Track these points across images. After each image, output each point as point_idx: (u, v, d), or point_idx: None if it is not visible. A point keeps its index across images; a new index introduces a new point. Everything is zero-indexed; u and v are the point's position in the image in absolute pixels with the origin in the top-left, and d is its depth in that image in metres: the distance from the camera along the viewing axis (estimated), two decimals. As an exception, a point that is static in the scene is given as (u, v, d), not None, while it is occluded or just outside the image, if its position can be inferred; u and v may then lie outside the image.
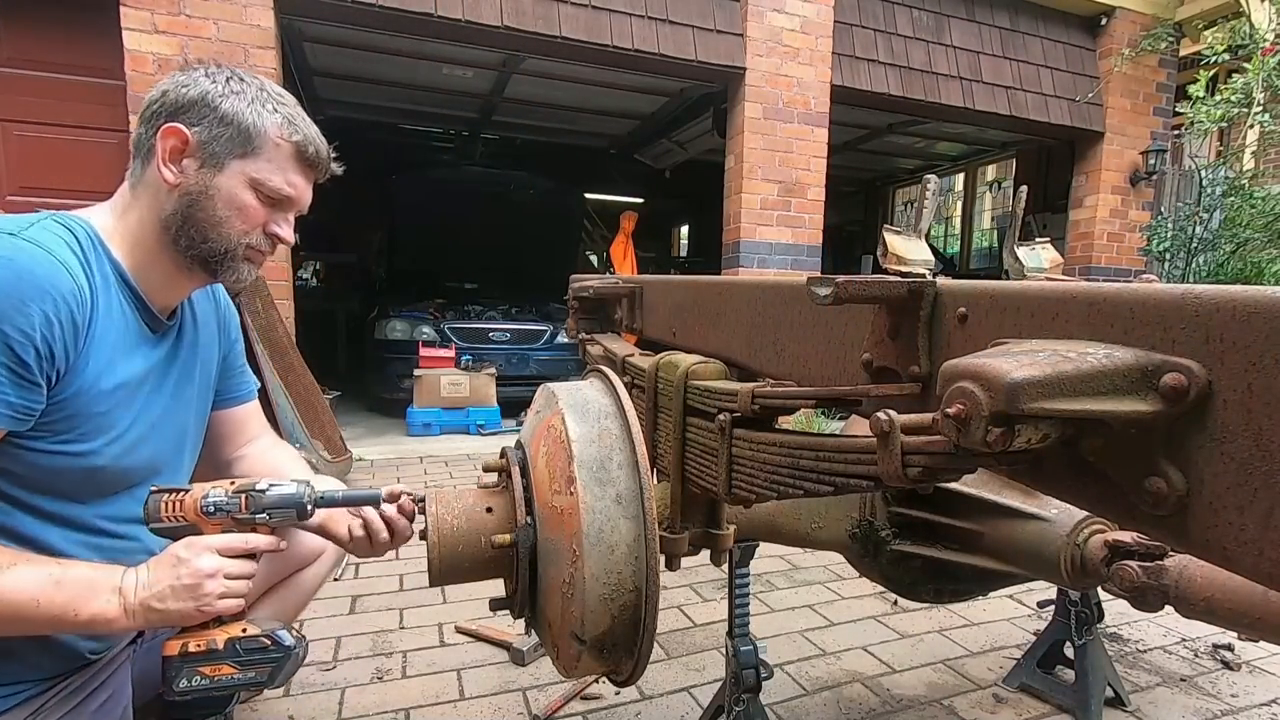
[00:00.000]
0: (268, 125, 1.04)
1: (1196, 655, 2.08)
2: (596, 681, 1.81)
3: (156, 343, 1.09)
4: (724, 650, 1.46)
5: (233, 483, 0.99)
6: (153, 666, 1.18)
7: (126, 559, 0.99)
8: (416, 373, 5.21)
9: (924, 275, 0.78)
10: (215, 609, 0.94)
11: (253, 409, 1.37)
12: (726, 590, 1.57)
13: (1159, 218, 6.18)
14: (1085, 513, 1.05)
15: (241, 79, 1.05)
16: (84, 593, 0.89)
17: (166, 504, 0.96)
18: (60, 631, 0.94)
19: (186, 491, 0.97)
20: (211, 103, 1.01)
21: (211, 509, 0.96)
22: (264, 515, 0.97)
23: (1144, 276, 3.84)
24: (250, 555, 0.98)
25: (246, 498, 0.96)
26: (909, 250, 0.93)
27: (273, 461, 1.33)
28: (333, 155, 1.14)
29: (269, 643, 0.97)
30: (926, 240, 0.99)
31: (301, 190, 1.10)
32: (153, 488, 0.99)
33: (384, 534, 1.11)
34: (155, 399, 1.10)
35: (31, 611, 0.86)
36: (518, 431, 1.10)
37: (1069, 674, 1.81)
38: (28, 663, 0.97)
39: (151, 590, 0.92)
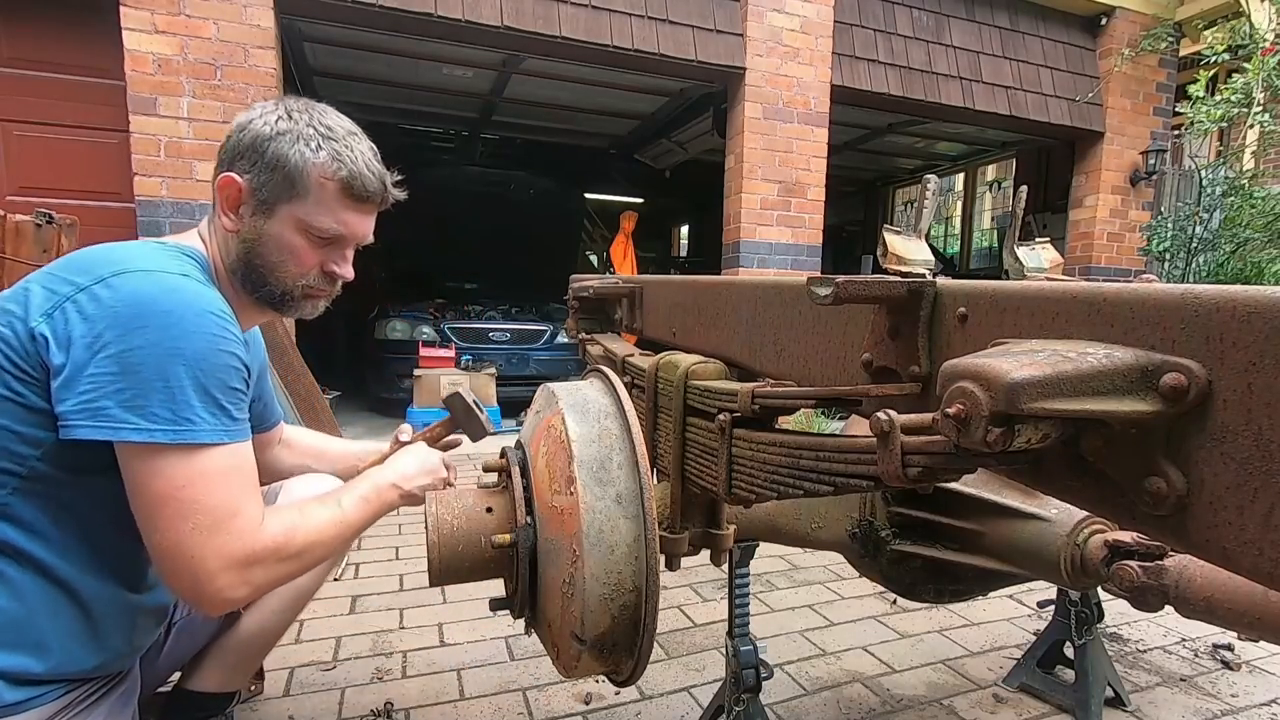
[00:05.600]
0: (310, 166, 1.01)
1: (1196, 655, 2.08)
2: (596, 681, 1.81)
3: None
4: (724, 650, 1.46)
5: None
6: (148, 669, 1.22)
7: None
8: (416, 373, 5.21)
9: (924, 275, 0.78)
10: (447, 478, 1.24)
11: (276, 432, 1.44)
12: (726, 590, 1.57)
13: (1159, 218, 6.18)
14: (1085, 513, 1.04)
15: (290, 115, 1.03)
16: (385, 495, 1.14)
17: None
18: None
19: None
20: (260, 147, 1.01)
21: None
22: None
23: (1144, 276, 3.84)
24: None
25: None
26: (909, 250, 0.93)
27: (309, 439, 1.55)
28: (395, 179, 1.12)
29: None
30: (926, 240, 0.99)
31: (355, 226, 1.08)
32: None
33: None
34: None
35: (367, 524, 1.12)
36: (518, 431, 1.10)
37: (1069, 674, 1.81)
38: (84, 666, 0.98)
39: (408, 472, 1.18)
